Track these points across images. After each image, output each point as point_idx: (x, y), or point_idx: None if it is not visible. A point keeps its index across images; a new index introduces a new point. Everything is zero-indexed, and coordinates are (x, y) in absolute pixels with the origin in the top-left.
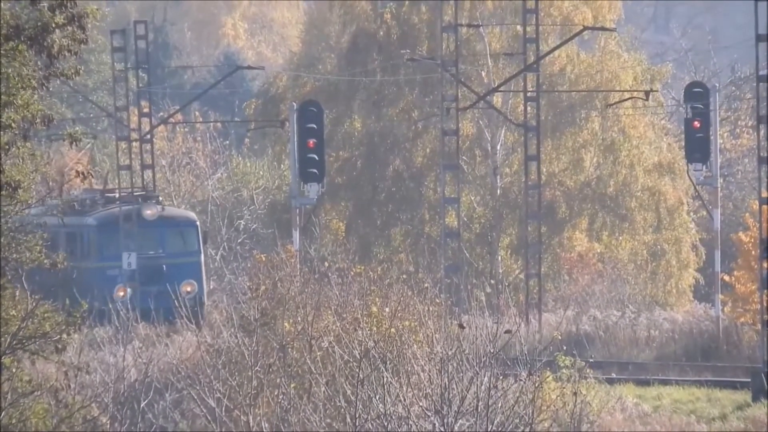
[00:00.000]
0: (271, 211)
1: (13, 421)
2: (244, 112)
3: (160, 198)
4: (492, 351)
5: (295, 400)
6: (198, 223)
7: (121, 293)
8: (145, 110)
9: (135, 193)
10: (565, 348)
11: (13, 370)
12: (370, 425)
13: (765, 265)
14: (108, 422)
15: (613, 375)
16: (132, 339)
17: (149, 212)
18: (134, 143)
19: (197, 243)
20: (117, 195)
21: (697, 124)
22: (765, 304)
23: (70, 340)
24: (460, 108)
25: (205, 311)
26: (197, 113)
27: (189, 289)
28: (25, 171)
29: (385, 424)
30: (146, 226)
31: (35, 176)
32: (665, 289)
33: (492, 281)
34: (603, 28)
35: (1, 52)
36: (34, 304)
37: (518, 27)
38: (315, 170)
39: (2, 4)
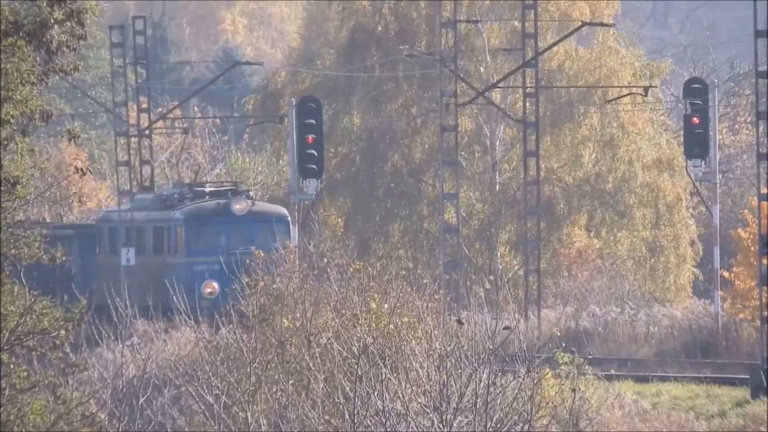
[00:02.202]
0: None
1: (11, 417)
2: (243, 108)
3: (251, 192)
4: (491, 347)
5: (294, 397)
6: (289, 218)
7: (209, 290)
8: (144, 106)
9: (224, 187)
10: (564, 344)
11: (11, 367)
12: (368, 422)
13: (764, 261)
14: (106, 419)
15: (612, 371)
16: (130, 335)
17: (239, 206)
18: (133, 139)
19: (288, 239)
20: (206, 189)
21: (696, 120)
22: (764, 300)
23: (70, 334)
24: (458, 104)
25: None
26: (196, 109)
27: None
28: (23, 167)
29: (384, 420)
30: (236, 221)
31: (34, 172)
32: (664, 285)
33: (491, 277)
34: (601, 24)
35: (0, 47)
36: (32, 300)
37: (517, 23)
38: (314, 166)
39: (1, 0)
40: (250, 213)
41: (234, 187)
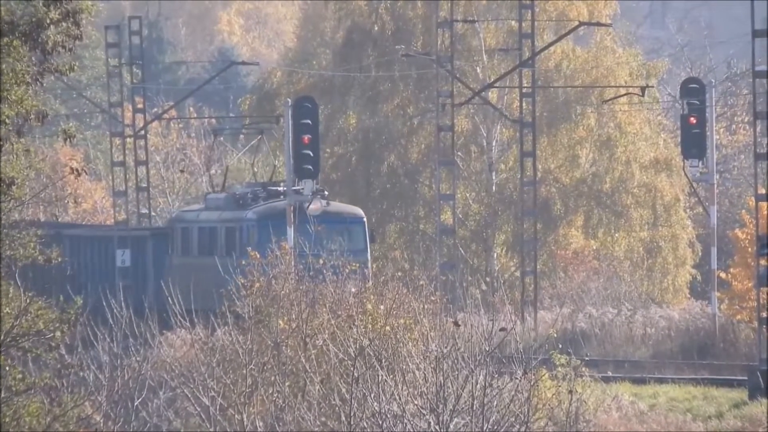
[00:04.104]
0: None
1: (7, 419)
2: (239, 108)
3: (326, 192)
4: (487, 349)
5: (290, 399)
6: (365, 219)
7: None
8: (139, 106)
9: (299, 187)
10: (560, 346)
11: (7, 368)
12: (364, 424)
13: (761, 262)
14: (101, 421)
15: (609, 373)
16: (126, 336)
17: (313, 207)
18: (128, 139)
19: (364, 241)
20: (281, 188)
21: (693, 120)
22: (762, 301)
23: (65, 336)
24: (455, 104)
25: None
26: (191, 109)
27: (354, 290)
28: (19, 167)
29: (380, 422)
30: (310, 222)
31: (29, 172)
32: (661, 286)
33: (487, 278)
34: (598, 24)
35: None
36: (27, 302)
37: (513, 22)
38: (310, 166)
39: None
40: (325, 213)
41: None
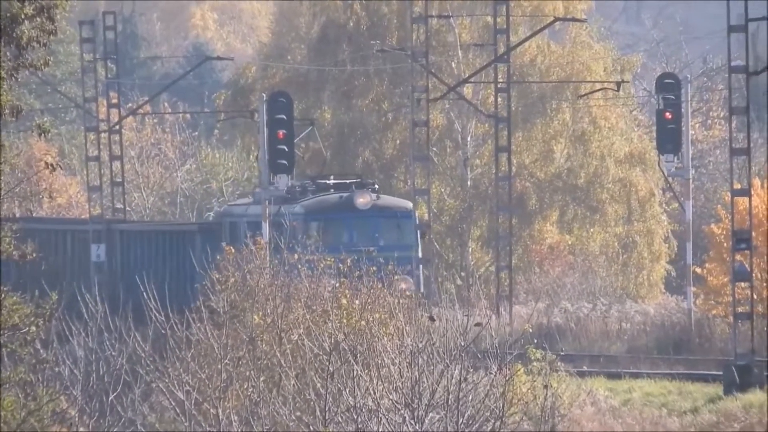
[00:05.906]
0: None
1: None
2: (214, 103)
3: (376, 186)
4: (462, 344)
5: (265, 393)
6: (415, 213)
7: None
8: (114, 101)
9: (349, 181)
10: (536, 341)
11: None
12: (339, 418)
13: (737, 257)
14: (76, 415)
15: (585, 368)
16: (101, 331)
17: (362, 200)
18: (103, 134)
19: (414, 235)
20: (330, 182)
21: (668, 115)
22: (736, 296)
23: (40, 330)
24: (430, 99)
25: None
26: (166, 104)
27: (404, 286)
28: None
29: (355, 417)
30: (359, 215)
31: (4, 167)
32: (637, 281)
33: (462, 273)
34: (574, 19)
35: None
36: (2, 296)
37: (489, 18)
38: (284, 161)
39: None
40: (375, 207)
41: (358, 180)
